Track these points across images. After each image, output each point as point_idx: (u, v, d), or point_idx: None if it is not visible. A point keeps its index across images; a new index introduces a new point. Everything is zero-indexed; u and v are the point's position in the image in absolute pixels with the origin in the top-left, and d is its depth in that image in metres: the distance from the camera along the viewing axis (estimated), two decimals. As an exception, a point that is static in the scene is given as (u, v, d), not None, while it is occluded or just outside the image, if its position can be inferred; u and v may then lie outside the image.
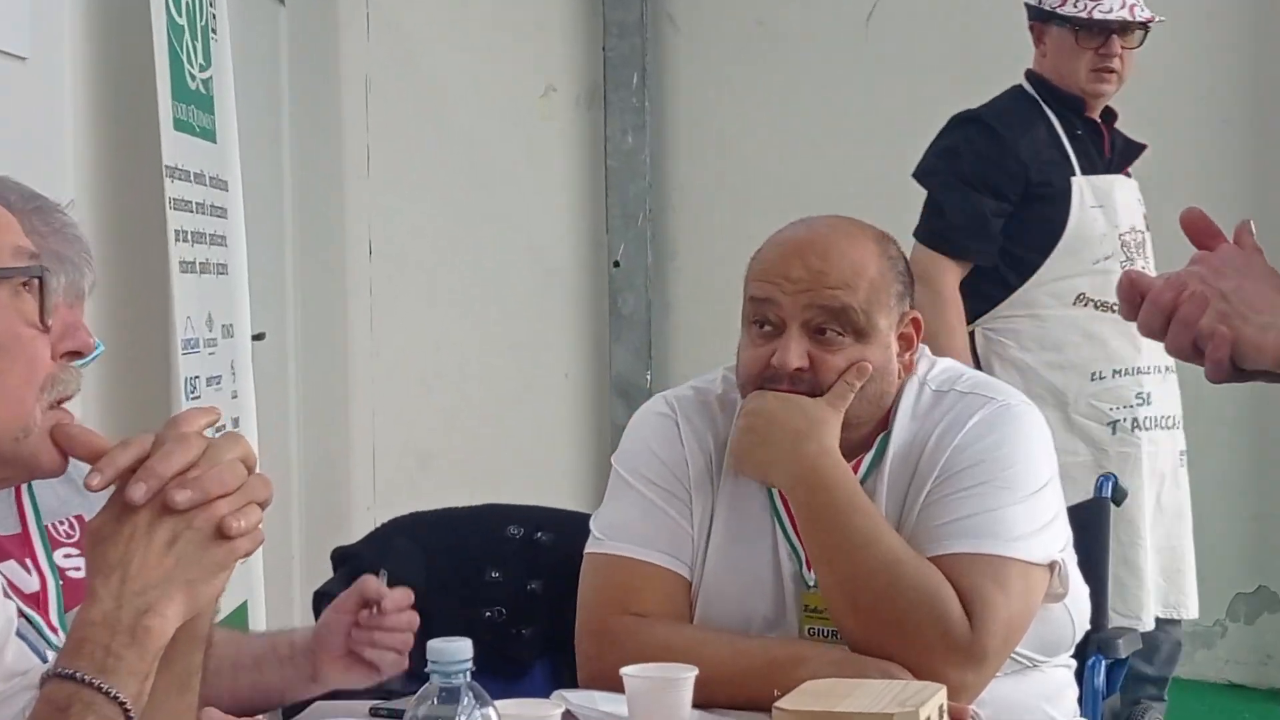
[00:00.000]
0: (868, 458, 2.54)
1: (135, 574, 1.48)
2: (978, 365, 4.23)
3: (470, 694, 1.59)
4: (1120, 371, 4.38)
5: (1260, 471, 5.81)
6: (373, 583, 2.46)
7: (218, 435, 1.54)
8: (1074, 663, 2.69)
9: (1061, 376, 4.37)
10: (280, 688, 2.49)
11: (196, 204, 3.86)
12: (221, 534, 1.49)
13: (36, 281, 1.67)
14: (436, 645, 1.59)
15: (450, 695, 1.59)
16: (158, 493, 1.48)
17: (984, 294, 4.38)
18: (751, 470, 2.53)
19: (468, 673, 1.59)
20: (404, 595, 2.48)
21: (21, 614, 1.96)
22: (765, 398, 2.50)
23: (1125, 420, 4.38)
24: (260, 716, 2.33)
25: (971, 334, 4.37)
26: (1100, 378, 4.36)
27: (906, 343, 2.56)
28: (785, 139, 6.29)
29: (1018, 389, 2.67)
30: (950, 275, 4.31)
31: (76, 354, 1.82)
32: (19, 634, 1.84)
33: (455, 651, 1.59)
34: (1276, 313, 1.75)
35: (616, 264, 6.37)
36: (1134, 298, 1.82)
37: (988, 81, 4.62)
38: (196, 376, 3.78)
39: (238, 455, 1.52)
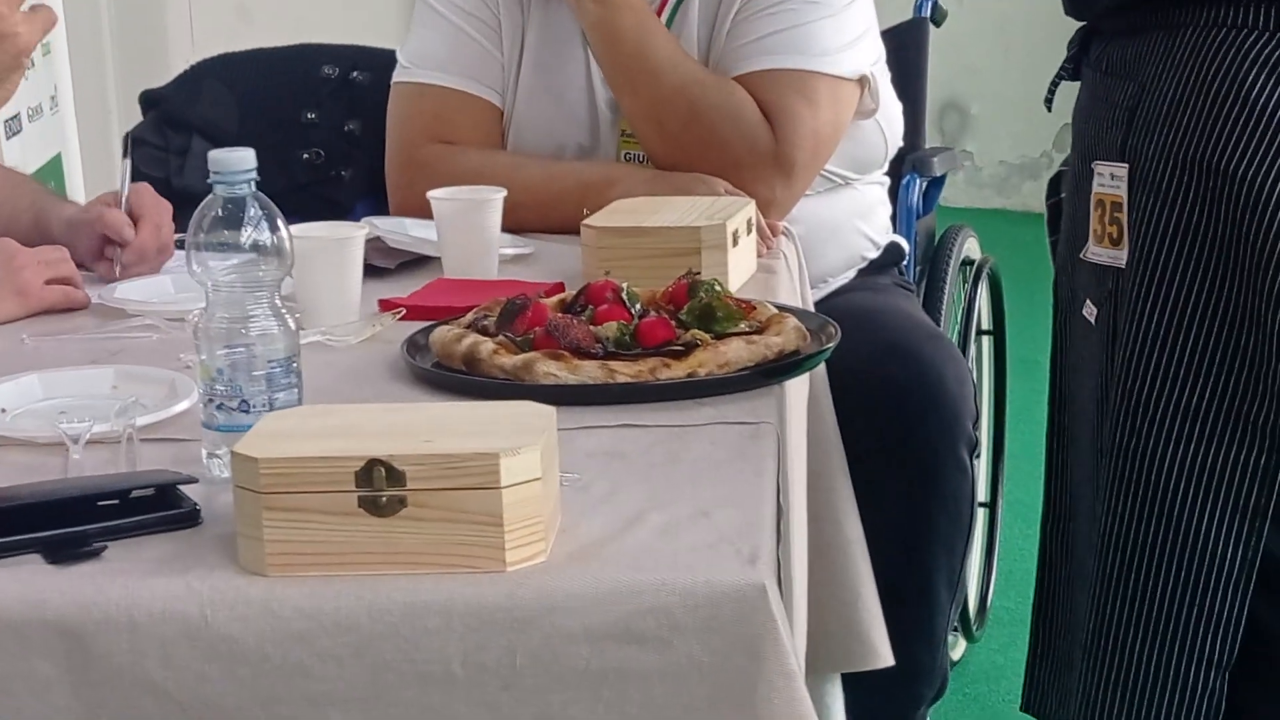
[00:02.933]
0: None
1: None
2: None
3: (257, 205, 1.48)
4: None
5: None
6: (113, 219, 2.20)
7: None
8: (887, 180, 2.71)
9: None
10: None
11: None
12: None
13: None
14: (218, 155, 1.47)
15: (235, 209, 1.47)
16: None
17: None
18: None
19: (252, 183, 1.48)
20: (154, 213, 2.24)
21: None
22: None
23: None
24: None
25: None
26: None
27: None
28: None
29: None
30: None
31: None
32: None
33: (239, 161, 1.47)
34: None
35: None
36: None
37: None
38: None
39: None
